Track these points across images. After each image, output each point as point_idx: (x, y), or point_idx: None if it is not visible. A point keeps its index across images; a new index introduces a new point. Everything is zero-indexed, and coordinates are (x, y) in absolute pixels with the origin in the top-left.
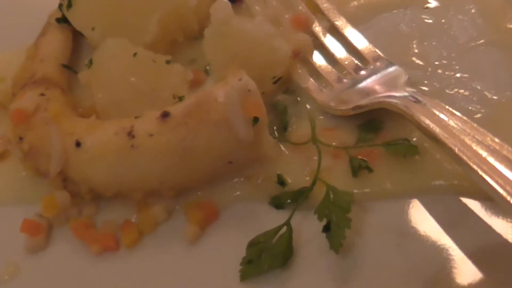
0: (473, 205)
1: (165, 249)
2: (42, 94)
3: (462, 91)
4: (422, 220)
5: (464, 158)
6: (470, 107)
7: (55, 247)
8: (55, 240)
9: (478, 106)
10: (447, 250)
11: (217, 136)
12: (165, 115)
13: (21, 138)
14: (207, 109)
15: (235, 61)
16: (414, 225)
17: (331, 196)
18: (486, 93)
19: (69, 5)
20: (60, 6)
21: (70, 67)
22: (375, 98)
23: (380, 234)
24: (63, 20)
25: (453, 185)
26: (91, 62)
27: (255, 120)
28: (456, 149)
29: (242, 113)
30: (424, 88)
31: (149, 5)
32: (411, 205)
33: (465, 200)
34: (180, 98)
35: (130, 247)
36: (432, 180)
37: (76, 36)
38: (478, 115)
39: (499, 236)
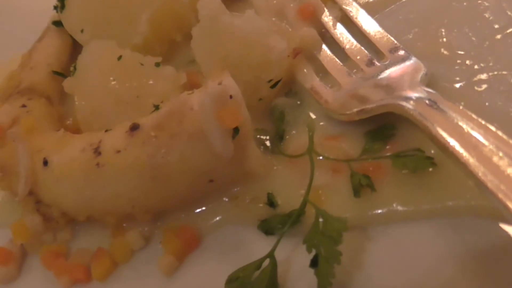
0: (499, 230)
1: (140, 283)
2: (24, 106)
3: (496, 87)
4: (437, 249)
5: (481, 176)
6: (505, 107)
7: (27, 277)
8: (29, 269)
9: None
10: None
11: (192, 150)
12: (134, 127)
13: None
14: (180, 119)
15: (224, 63)
16: (427, 256)
17: (321, 223)
18: None
19: (62, 7)
20: (56, 8)
21: (62, 73)
22: (383, 101)
23: (385, 267)
24: (61, 23)
25: (473, 206)
26: (75, 68)
27: (236, 131)
28: (471, 164)
29: (217, 124)
30: (448, 85)
31: (139, 3)
32: (423, 231)
33: (489, 224)
34: (157, 107)
35: (101, 280)
36: (449, 200)
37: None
38: None
39: None
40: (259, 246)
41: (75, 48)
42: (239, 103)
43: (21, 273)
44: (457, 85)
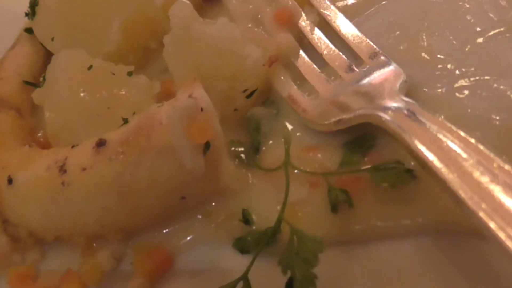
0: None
1: None
2: None
3: (478, 93)
4: (419, 265)
5: (461, 194)
6: (487, 114)
7: None
8: None
9: (499, 112)
10: None
11: (162, 167)
12: (101, 143)
13: None
14: (149, 134)
15: (197, 73)
16: (408, 273)
17: (296, 243)
18: (510, 94)
19: (33, 14)
20: (27, 14)
21: (34, 83)
22: (361, 111)
23: (365, 286)
24: (33, 31)
25: (457, 221)
26: (44, 78)
27: (207, 146)
28: (451, 181)
29: (187, 139)
30: (429, 91)
31: (110, 10)
32: (405, 247)
33: (472, 240)
34: (125, 121)
35: None
36: (431, 215)
37: None
38: (497, 123)
39: None
40: (234, 265)
41: (48, 57)
42: (210, 116)
43: None
44: (438, 91)
